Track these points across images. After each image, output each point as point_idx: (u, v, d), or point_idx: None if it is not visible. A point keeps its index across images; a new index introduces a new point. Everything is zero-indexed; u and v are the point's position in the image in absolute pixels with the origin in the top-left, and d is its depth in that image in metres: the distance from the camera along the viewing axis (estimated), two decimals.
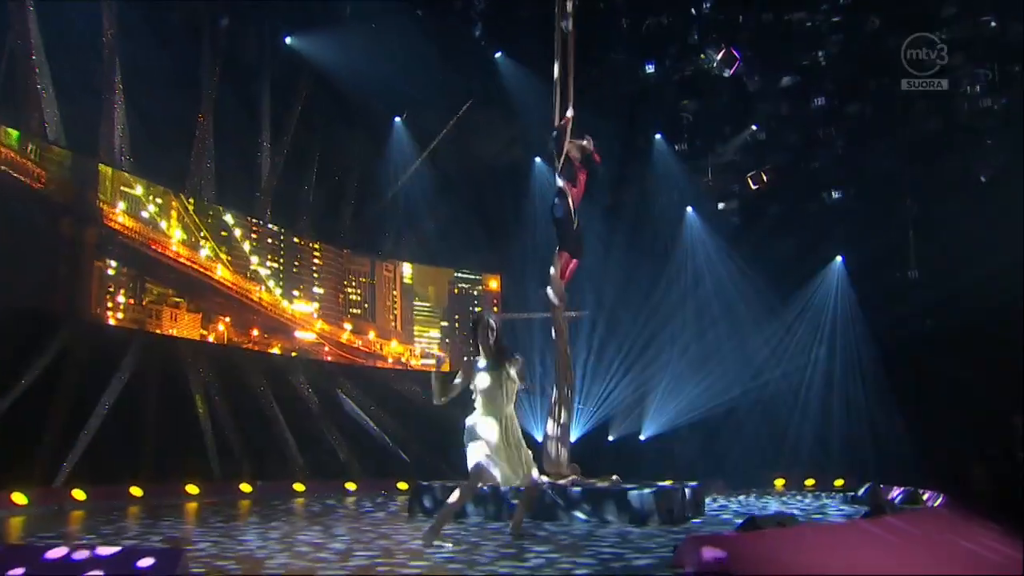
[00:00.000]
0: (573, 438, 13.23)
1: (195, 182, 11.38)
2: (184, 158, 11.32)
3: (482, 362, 5.87)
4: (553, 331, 8.46)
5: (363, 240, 13.86)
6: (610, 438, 13.52)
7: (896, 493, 8.96)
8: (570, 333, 13.34)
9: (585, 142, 8.16)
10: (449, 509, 5.83)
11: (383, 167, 13.69)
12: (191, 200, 11.14)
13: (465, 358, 5.98)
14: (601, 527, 6.97)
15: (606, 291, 13.27)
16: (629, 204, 13.34)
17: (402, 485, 11.96)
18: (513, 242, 14.12)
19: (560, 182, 8.20)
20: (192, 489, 10.14)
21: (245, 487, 10.77)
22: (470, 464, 5.71)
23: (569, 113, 8.09)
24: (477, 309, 14.65)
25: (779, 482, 12.14)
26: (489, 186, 13.85)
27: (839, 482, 11.51)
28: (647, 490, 7.35)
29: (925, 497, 8.21)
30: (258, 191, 12.34)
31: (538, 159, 13.94)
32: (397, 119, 13.78)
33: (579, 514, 7.36)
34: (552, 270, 8.24)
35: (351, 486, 11.70)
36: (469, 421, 5.83)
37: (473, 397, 5.84)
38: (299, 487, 11.27)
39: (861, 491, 9.40)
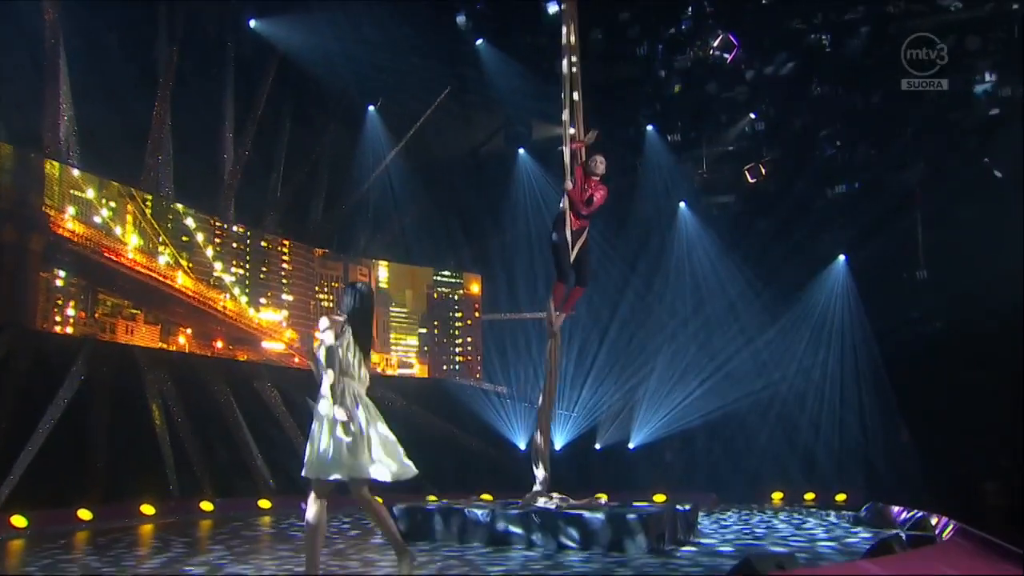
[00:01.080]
0: (558, 446, 13.12)
1: (151, 178, 10.83)
2: (139, 151, 10.73)
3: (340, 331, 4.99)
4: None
5: (334, 238, 13.35)
6: (597, 446, 13.18)
7: (899, 512, 8.63)
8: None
9: (596, 165, 7.70)
10: (389, 534, 5.11)
11: (356, 159, 13.15)
12: (148, 202, 10.59)
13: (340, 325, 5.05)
14: (588, 555, 6.63)
15: (594, 291, 12.83)
16: (619, 199, 12.87)
17: (376, 500, 11.55)
18: (495, 239, 13.73)
19: (563, 203, 7.70)
20: (147, 509, 9.70)
21: (206, 505, 10.34)
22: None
23: (587, 137, 7.70)
24: (461, 314, 14.23)
25: (777, 496, 11.81)
26: (469, 179, 13.40)
27: (840, 496, 11.20)
28: (634, 515, 6.97)
29: (934, 523, 7.84)
30: (220, 186, 11.78)
31: (522, 150, 13.54)
32: (371, 108, 13.25)
33: (565, 540, 7.01)
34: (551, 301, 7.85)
35: None
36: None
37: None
38: (265, 504, 10.85)
39: (863, 511, 9.04)
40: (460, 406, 13.22)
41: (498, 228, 13.64)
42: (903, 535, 7.32)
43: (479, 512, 7.45)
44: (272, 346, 11.96)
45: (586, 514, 7.10)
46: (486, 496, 11.64)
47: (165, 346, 10.67)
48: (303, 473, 4.90)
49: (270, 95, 12.07)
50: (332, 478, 4.82)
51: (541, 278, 12.99)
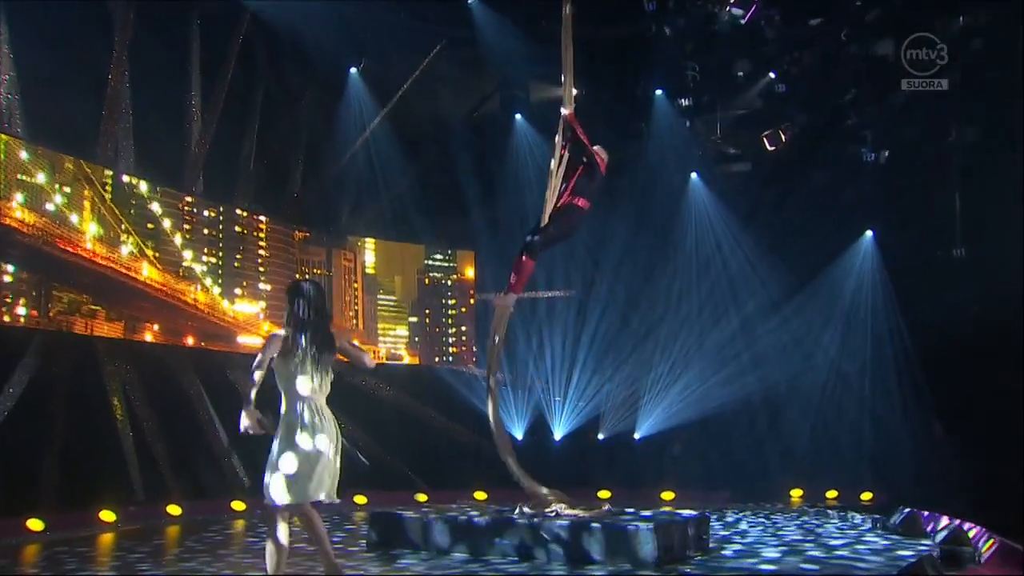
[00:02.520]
0: (557, 437, 12.76)
1: (108, 150, 10.24)
2: (93, 120, 10.11)
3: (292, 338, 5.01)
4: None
5: (314, 214, 12.79)
6: (600, 437, 12.79)
7: (933, 521, 8.20)
8: (557, 316, 12.86)
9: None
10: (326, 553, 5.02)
11: (337, 126, 12.57)
12: (108, 186, 10.02)
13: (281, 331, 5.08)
14: (587, 569, 6.25)
15: (596, 269, 12.60)
16: (625, 169, 12.35)
17: (360, 499, 11.21)
18: (490, 211, 13.20)
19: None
20: (108, 516, 9.25)
21: (173, 509, 9.92)
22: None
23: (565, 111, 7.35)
24: (455, 300, 13.72)
25: (796, 493, 11.40)
26: (462, 148, 12.78)
27: (866, 495, 10.78)
28: (639, 524, 6.54)
29: (972, 535, 7.40)
30: (187, 158, 11.21)
31: (519, 116, 12.98)
32: (353, 70, 12.63)
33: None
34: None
35: None
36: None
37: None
38: (238, 506, 10.43)
39: (896, 518, 8.59)
40: (452, 395, 12.80)
41: (494, 201, 13.11)
42: (937, 553, 6.92)
43: (464, 518, 7.08)
44: (249, 340, 11.48)
45: (585, 523, 6.70)
46: (480, 494, 11.29)
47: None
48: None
49: (240, 56, 11.43)
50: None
51: (540, 254, 12.52)
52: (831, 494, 11.17)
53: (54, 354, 9.53)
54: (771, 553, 7.12)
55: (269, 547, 4.83)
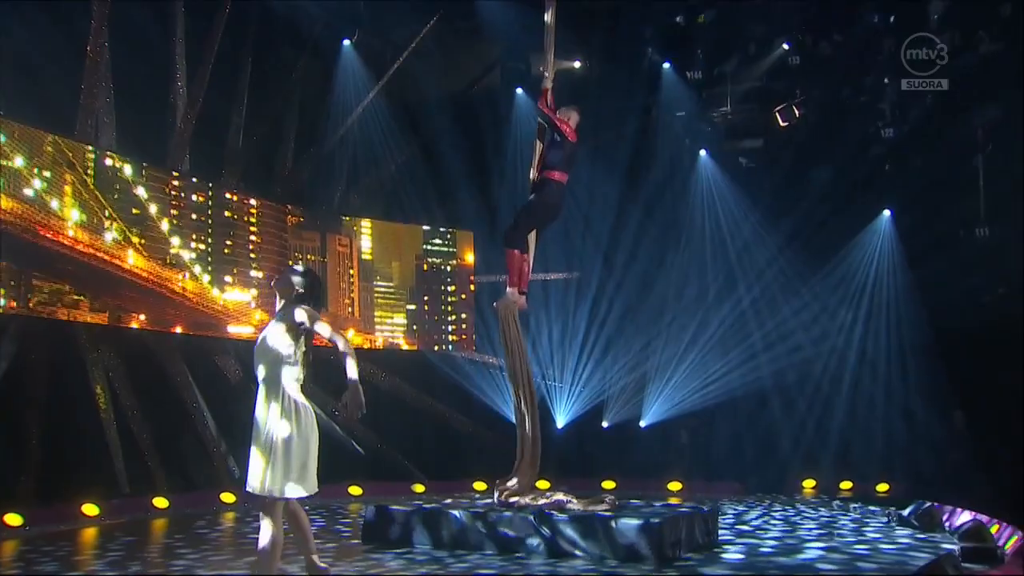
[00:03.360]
0: (559, 425, 12.62)
1: (88, 126, 9.98)
2: (72, 93, 9.84)
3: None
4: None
5: (306, 192, 12.56)
6: (604, 425, 12.64)
7: (951, 516, 8.03)
8: (558, 298, 12.69)
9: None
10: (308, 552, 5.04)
11: (330, 101, 12.32)
12: (90, 170, 9.75)
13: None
14: (589, 566, 6.14)
15: (601, 251, 12.46)
16: (631, 146, 12.14)
17: (355, 490, 11.08)
18: (489, 189, 12.99)
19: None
20: (90, 510, 9.09)
21: (160, 502, 9.77)
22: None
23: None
24: (455, 287, 13.51)
25: (808, 484, 11.24)
26: (460, 123, 12.55)
27: (882, 487, 10.63)
28: (643, 519, 6.40)
29: (995, 531, 7.23)
30: (172, 133, 10.96)
31: (520, 90, 12.75)
32: (346, 42, 12.39)
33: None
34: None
35: None
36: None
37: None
38: (228, 498, 10.28)
39: (909, 510, 8.42)
40: (451, 382, 12.64)
41: (493, 179, 12.89)
42: (957, 550, 6.74)
43: (461, 513, 6.95)
44: (240, 330, 11.28)
45: (587, 517, 6.58)
46: (479, 484, 11.15)
47: None
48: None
49: (228, 25, 11.08)
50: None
51: (541, 234, 12.35)
52: (845, 485, 11.02)
53: (34, 340, 9.35)
54: (813, 551, 6.98)
55: (262, 542, 4.74)
